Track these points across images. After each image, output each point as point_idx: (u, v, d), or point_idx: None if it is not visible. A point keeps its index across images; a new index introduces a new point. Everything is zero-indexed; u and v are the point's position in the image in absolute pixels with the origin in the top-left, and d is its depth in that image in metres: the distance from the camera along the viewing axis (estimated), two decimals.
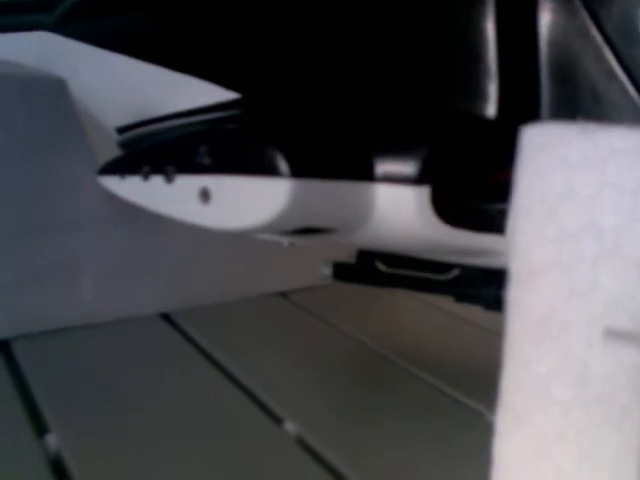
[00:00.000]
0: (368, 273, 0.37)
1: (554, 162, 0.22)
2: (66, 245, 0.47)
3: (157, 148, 0.34)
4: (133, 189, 0.34)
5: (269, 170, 0.29)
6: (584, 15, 0.28)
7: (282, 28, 0.34)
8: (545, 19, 0.29)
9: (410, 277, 0.36)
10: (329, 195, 0.30)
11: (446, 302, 0.37)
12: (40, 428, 0.37)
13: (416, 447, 0.35)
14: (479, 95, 0.29)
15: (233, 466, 0.34)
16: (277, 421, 0.38)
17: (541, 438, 0.24)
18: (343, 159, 0.30)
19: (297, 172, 0.29)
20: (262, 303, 0.54)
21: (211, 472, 0.33)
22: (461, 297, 0.35)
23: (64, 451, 0.34)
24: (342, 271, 0.39)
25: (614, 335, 0.22)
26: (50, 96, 0.44)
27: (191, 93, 0.35)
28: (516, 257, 0.23)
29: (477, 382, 0.40)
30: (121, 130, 0.40)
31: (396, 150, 0.29)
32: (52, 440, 0.35)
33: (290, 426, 0.38)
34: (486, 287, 0.34)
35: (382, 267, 0.37)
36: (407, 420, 0.38)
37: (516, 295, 0.23)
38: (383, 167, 0.29)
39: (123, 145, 0.39)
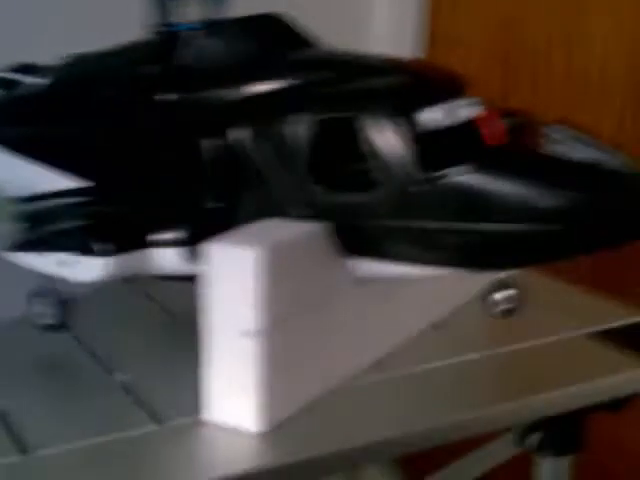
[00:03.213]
0: None
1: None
2: None
3: (42, 235, 0.54)
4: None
5: (96, 253, 0.51)
6: (253, 145, 0.49)
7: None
8: (236, 153, 0.50)
9: None
10: (134, 260, 0.52)
11: None
12: None
13: None
14: (208, 197, 0.51)
15: (73, 403, 0.52)
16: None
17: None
18: (136, 239, 0.52)
19: (110, 253, 0.51)
20: None
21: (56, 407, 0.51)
22: None
23: None
24: None
25: None
26: None
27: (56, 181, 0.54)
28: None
29: None
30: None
31: (170, 228, 0.52)
32: None
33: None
34: None
35: None
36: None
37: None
38: (163, 238, 0.52)
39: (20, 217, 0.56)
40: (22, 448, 0.47)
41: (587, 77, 0.94)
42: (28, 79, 0.57)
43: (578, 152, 0.46)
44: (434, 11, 1.10)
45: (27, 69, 0.58)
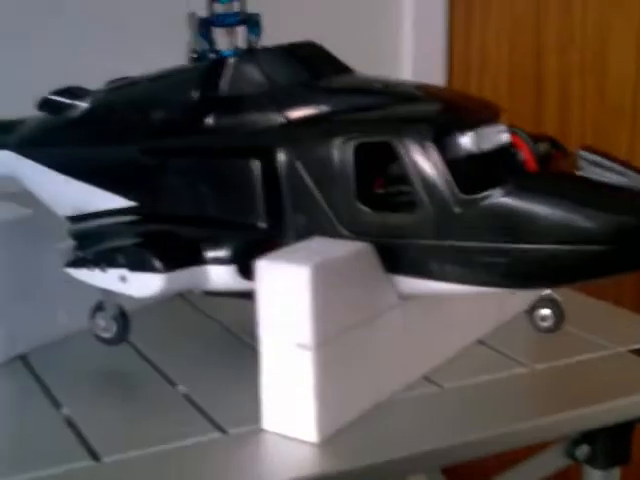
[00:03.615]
0: None
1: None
2: None
3: (100, 252, 0.56)
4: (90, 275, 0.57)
5: (153, 269, 0.53)
6: (300, 167, 0.52)
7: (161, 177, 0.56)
8: (283, 175, 0.52)
9: None
10: (189, 276, 0.54)
11: None
12: None
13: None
14: (258, 216, 0.53)
15: (139, 412, 0.55)
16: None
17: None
18: (191, 256, 0.54)
19: (166, 269, 0.53)
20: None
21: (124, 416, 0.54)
22: None
23: None
24: None
25: None
26: None
27: (107, 200, 0.58)
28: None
29: None
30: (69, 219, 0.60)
31: (223, 246, 0.54)
32: None
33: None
34: None
35: None
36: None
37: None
38: (212, 255, 0.54)
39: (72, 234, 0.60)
40: (92, 454, 0.49)
41: (619, 102, 0.95)
42: (76, 102, 0.60)
43: (608, 176, 0.48)
44: (463, 39, 1.12)
45: (75, 92, 0.60)
